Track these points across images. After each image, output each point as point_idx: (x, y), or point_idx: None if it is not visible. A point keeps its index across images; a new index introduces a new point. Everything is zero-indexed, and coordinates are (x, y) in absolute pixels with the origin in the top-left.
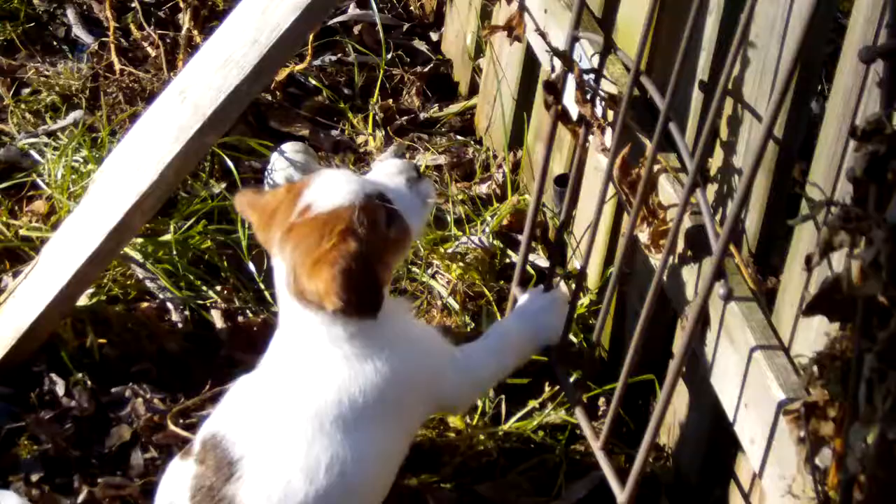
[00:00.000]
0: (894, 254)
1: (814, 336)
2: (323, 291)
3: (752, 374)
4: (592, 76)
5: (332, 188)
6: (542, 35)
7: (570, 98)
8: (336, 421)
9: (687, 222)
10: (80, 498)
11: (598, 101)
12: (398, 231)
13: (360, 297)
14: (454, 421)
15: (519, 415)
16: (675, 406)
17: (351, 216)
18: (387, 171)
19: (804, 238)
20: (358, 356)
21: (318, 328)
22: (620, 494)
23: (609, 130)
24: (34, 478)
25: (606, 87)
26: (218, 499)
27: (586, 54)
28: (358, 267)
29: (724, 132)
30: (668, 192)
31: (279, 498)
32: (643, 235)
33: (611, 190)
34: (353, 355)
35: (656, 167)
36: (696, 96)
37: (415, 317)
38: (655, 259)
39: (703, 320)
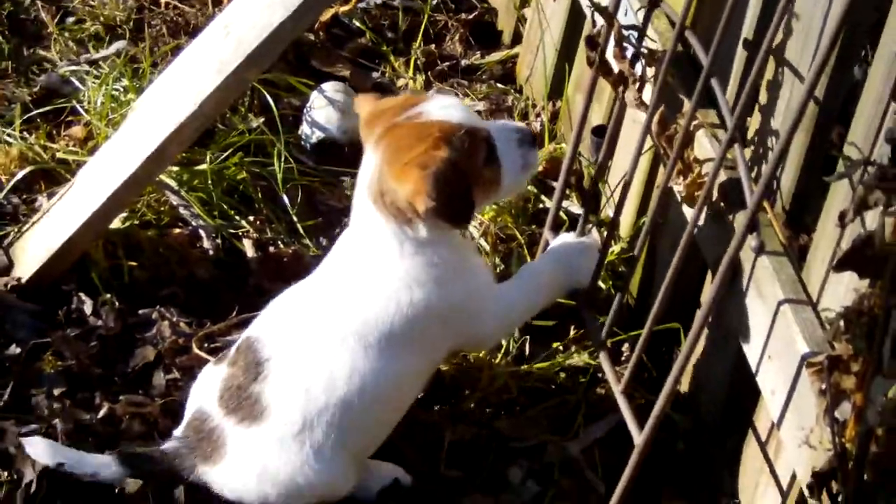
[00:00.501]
0: None
1: (843, 292)
2: (412, 192)
3: (779, 327)
4: (635, 32)
5: (449, 107)
6: None
7: (612, 52)
8: (366, 336)
9: (722, 177)
10: (101, 413)
11: (640, 58)
12: (492, 173)
13: (450, 203)
14: (477, 358)
15: (543, 356)
16: (698, 355)
17: (454, 132)
18: (505, 125)
19: (838, 197)
20: (412, 276)
21: (385, 237)
22: (638, 437)
23: (648, 86)
24: (56, 392)
25: (649, 43)
26: (244, 397)
27: (632, 8)
28: (450, 174)
29: (763, 94)
30: (705, 146)
31: (300, 400)
32: (678, 187)
33: (647, 142)
34: (407, 274)
35: (694, 122)
36: (740, 54)
37: (475, 253)
38: (689, 211)
39: (732, 272)
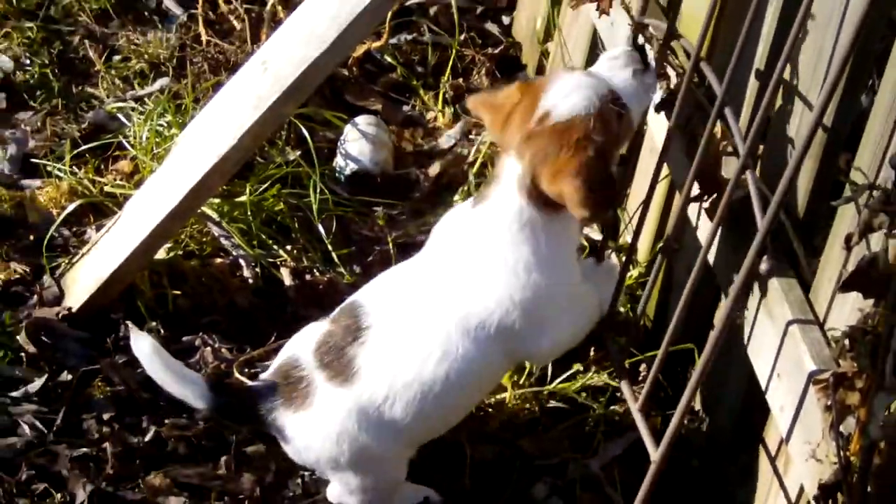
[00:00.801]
0: None
1: (848, 312)
2: (568, 198)
3: (787, 346)
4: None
5: (569, 95)
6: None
7: None
8: (467, 325)
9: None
10: (148, 437)
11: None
12: (626, 127)
13: (599, 200)
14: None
15: (564, 376)
16: (711, 374)
17: (588, 125)
18: (615, 63)
19: (846, 220)
20: (527, 269)
21: (526, 227)
22: (654, 453)
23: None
24: (105, 416)
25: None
26: (339, 356)
27: (650, 42)
28: (597, 172)
29: (774, 120)
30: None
31: (390, 373)
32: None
33: (663, 170)
34: (525, 267)
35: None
36: (752, 84)
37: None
38: (703, 235)
39: (745, 294)
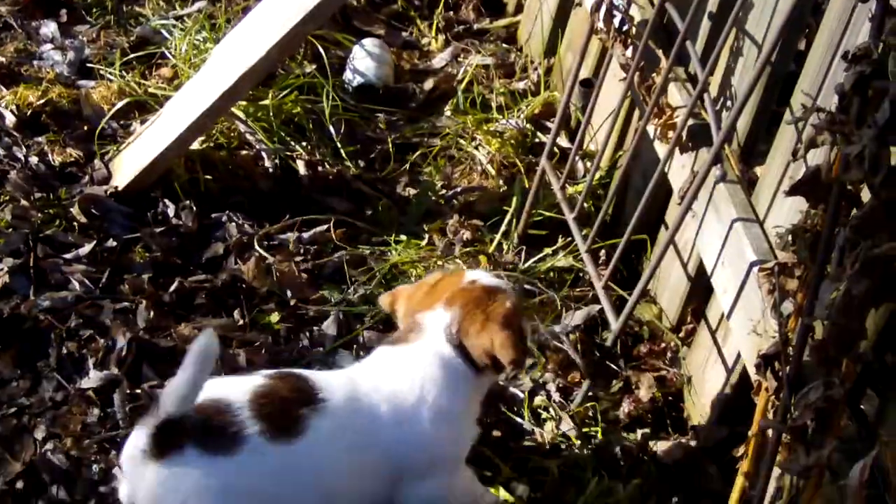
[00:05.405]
0: (877, 149)
1: (785, 214)
2: (498, 343)
3: (731, 240)
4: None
5: (492, 277)
6: None
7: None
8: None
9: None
10: (172, 287)
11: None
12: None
13: (522, 347)
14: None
15: (536, 258)
16: (663, 262)
17: (510, 292)
18: None
19: (784, 139)
20: (441, 412)
21: (449, 372)
22: (614, 323)
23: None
24: (144, 276)
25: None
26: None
27: None
28: (519, 325)
29: (726, 56)
30: (675, 96)
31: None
32: (651, 128)
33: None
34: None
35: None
36: (705, 24)
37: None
38: (661, 148)
39: (695, 196)
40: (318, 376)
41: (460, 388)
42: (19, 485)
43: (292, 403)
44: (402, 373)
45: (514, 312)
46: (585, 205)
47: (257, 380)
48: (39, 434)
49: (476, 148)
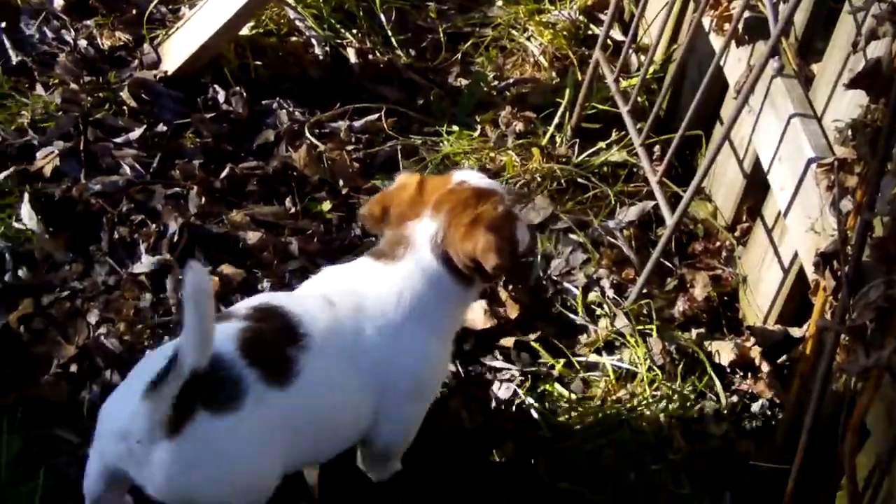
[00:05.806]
0: None
1: (844, 109)
2: (481, 247)
3: (789, 136)
4: None
5: (482, 178)
6: None
7: None
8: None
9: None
10: (223, 174)
11: None
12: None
13: (507, 252)
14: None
15: (589, 151)
16: (718, 158)
17: (501, 194)
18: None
19: (843, 31)
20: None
21: (432, 289)
22: (669, 219)
23: None
24: (195, 162)
25: None
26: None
27: None
28: (507, 228)
29: None
30: None
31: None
32: (707, 20)
33: None
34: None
35: None
36: None
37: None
38: (717, 41)
39: (751, 90)
40: (303, 305)
41: (450, 305)
42: (73, 368)
43: (280, 344)
44: (387, 292)
45: (504, 216)
46: (639, 98)
47: (237, 324)
48: (93, 318)
49: (528, 39)
